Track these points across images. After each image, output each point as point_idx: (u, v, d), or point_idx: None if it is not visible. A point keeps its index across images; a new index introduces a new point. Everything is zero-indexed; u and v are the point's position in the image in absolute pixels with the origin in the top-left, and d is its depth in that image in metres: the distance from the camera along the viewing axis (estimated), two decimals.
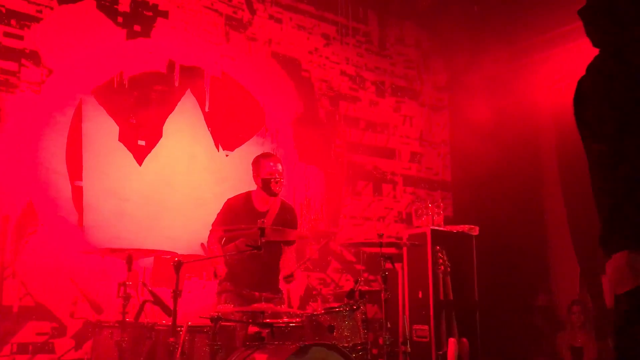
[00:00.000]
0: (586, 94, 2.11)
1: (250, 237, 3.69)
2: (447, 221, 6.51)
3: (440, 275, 5.06)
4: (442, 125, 7.30)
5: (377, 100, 6.73)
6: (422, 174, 7.02)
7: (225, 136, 5.52)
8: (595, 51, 2.18)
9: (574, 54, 6.17)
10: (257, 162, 4.30)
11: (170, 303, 3.19)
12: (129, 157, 4.97)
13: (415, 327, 5.59)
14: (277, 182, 4.20)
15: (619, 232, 1.97)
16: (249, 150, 5.43)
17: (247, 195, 4.33)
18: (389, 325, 3.73)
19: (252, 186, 4.38)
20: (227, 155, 5.50)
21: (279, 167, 4.25)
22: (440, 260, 5.07)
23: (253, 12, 5.89)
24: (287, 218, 4.30)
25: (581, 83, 2.14)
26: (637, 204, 1.95)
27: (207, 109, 5.43)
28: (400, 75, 6.98)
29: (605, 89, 2.05)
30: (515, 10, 6.57)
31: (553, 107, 6.49)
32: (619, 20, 2.14)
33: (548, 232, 6.85)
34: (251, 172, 4.34)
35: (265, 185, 4.19)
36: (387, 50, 6.91)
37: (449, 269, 5.06)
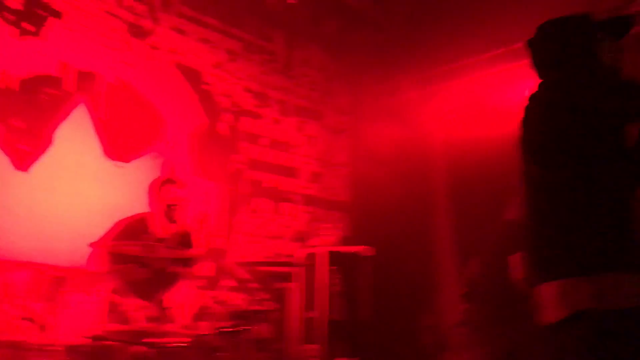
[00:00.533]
0: (530, 122, 2.16)
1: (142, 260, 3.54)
2: (344, 242, 6.59)
3: (335, 295, 5.09)
4: (343, 147, 7.41)
5: (280, 119, 6.74)
6: (322, 194, 7.08)
7: (120, 146, 5.30)
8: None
9: (464, 88, 6.49)
10: (157, 186, 4.14)
11: (45, 319, 2.99)
12: (7, 163, 4.66)
13: (307, 347, 5.58)
14: (177, 209, 4.07)
15: (557, 259, 1.98)
16: (145, 162, 5.24)
17: (142, 219, 4.14)
18: (279, 345, 3.69)
19: (145, 197, 4.22)
20: (120, 167, 5.29)
21: (182, 193, 4.13)
22: (336, 281, 5.11)
23: (156, 21, 5.74)
24: (185, 243, 4.18)
25: (526, 111, 2.19)
26: (578, 230, 1.96)
27: (101, 117, 5.20)
28: (304, 96, 7.03)
29: (548, 118, 2.09)
30: (416, 42, 6.83)
31: (445, 136, 6.78)
32: (563, 54, 2.22)
33: (437, 254, 7.10)
34: (147, 188, 4.17)
35: (168, 212, 4.05)
36: (292, 71, 6.95)
37: (343, 289, 5.10)
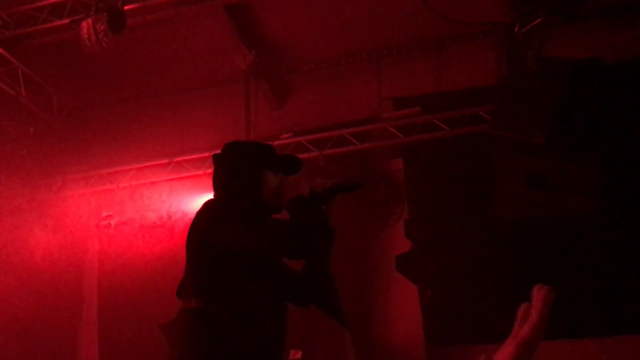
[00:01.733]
0: (189, 241, 2.23)
1: None
2: None
3: None
4: None
5: None
6: None
7: None
8: None
9: (125, 193, 6.27)
10: None
11: None
12: None
13: None
14: None
15: None
16: None
17: None
18: None
19: None
20: None
21: None
22: None
23: None
24: None
25: (190, 228, 2.24)
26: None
27: None
28: None
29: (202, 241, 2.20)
30: (72, 139, 6.45)
31: (99, 242, 6.38)
32: (231, 176, 2.37)
33: None
34: None
35: None
36: None
37: None
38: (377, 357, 5.37)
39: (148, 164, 6.24)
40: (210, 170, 5.71)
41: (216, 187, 2.40)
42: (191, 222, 2.27)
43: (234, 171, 2.37)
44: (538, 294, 0.84)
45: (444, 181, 5.39)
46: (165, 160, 6.20)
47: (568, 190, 4.49)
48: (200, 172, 5.96)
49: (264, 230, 2.17)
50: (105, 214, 6.44)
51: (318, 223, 2.19)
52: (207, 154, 5.89)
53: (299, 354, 4.84)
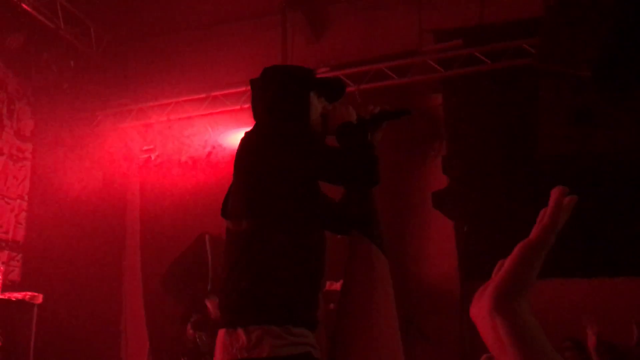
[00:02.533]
0: (237, 165, 2.14)
1: None
2: (11, 287, 5.73)
3: None
4: (21, 178, 6.55)
5: None
6: None
7: None
8: None
9: (165, 127, 6.34)
10: None
11: None
12: None
13: None
14: None
15: (232, 306, 2.01)
16: None
17: None
18: None
19: None
20: None
21: None
22: None
23: None
24: None
25: (238, 151, 2.16)
26: (259, 282, 1.97)
27: None
28: None
29: (251, 164, 2.10)
30: (111, 73, 6.49)
31: (140, 175, 6.51)
32: (276, 99, 2.23)
33: (124, 300, 6.66)
34: None
35: None
36: None
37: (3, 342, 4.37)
38: (412, 291, 5.44)
39: (186, 98, 6.26)
40: (247, 105, 5.85)
41: (259, 113, 2.28)
42: (239, 143, 2.18)
43: (280, 94, 2.23)
44: (553, 195, 0.79)
45: (485, 117, 5.28)
46: (203, 95, 6.21)
47: (613, 125, 4.35)
48: (237, 106, 5.96)
49: (315, 153, 2.08)
50: (145, 147, 6.54)
51: (363, 149, 2.13)
52: (243, 89, 5.87)
53: (338, 284, 4.96)
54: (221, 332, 2.02)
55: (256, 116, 2.30)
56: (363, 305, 2.12)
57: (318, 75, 2.41)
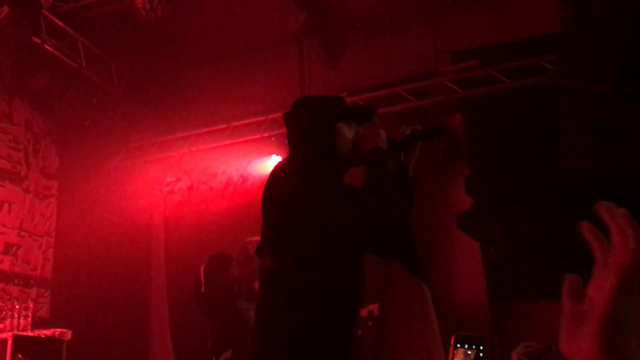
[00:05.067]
0: (266, 201, 2.14)
1: None
2: (40, 323, 5.78)
3: None
4: (48, 216, 6.65)
5: None
6: (17, 268, 6.18)
7: None
8: None
9: (187, 158, 6.40)
10: None
11: None
12: None
13: None
14: None
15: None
16: None
17: None
18: None
19: None
20: None
21: None
22: None
23: None
24: None
25: (266, 185, 2.15)
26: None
27: None
28: (2, 157, 6.19)
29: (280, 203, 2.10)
30: (133, 108, 6.59)
31: (165, 208, 6.55)
32: (304, 131, 2.23)
33: (151, 334, 6.66)
34: None
35: None
36: None
37: None
38: (440, 314, 5.36)
39: (207, 129, 6.33)
40: (267, 134, 5.89)
41: (290, 146, 2.28)
42: (266, 180, 2.18)
43: (307, 127, 2.23)
44: (609, 211, 0.70)
45: (505, 135, 5.24)
46: (223, 125, 6.27)
47: (635, 140, 4.29)
48: (258, 135, 6.01)
49: (338, 198, 2.07)
50: (168, 179, 6.60)
51: (397, 172, 2.10)
52: (263, 118, 5.92)
53: (364, 311, 4.90)
54: None
55: (289, 149, 2.30)
56: (412, 344, 2.08)
57: None
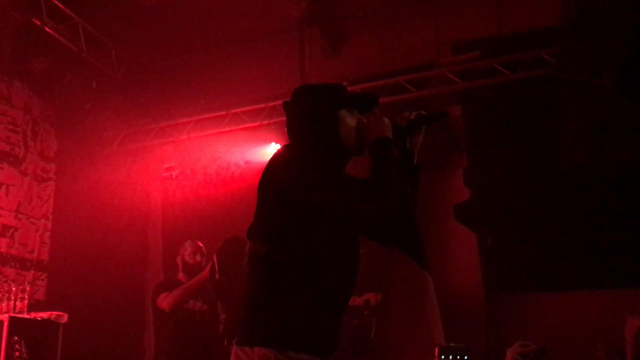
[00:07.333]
0: (262, 186, 2.09)
1: None
2: (37, 306, 5.79)
3: None
4: (45, 199, 6.64)
5: None
6: (14, 251, 6.18)
7: None
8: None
9: (186, 145, 6.40)
10: None
11: None
12: None
13: None
14: None
15: (252, 326, 1.98)
16: None
17: None
18: None
19: None
20: None
21: None
22: (17, 353, 4.40)
23: None
24: None
25: (264, 172, 2.10)
26: (277, 305, 1.96)
27: None
28: (1, 139, 6.17)
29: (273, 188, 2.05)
30: (133, 93, 6.57)
31: (162, 193, 6.56)
32: (304, 119, 2.19)
33: (147, 317, 6.69)
34: None
35: None
36: None
37: None
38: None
39: (206, 116, 6.32)
40: (266, 122, 5.88)
41: (290, 135, 2.23)
42: (265, 167, 2.12)
43: (308, 115, 2.18)
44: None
45: (505, 128, 5.24)
46: (223, 112, 6.26)
47: (636, 134, 4.29)
48: (257, 123, 5.99)
49: (338, 188, 1.99)
50: (167, 165, 6.60)
51: (402, 159, 2.07)
52: (263, 105, 5.90)
53: (360, 300, 4.92)
54: (233, 349, 2.03)
55: (289, 138, 2.25)
56: (416, 331, 2.08)
57: None
